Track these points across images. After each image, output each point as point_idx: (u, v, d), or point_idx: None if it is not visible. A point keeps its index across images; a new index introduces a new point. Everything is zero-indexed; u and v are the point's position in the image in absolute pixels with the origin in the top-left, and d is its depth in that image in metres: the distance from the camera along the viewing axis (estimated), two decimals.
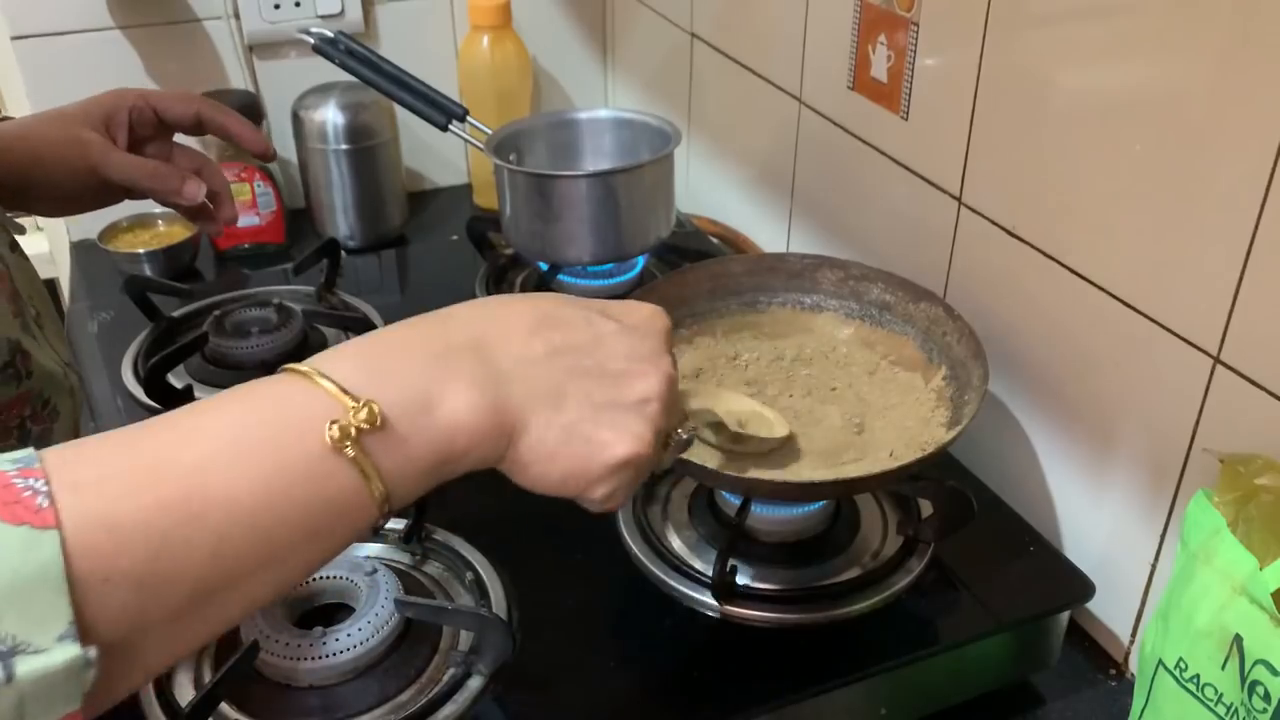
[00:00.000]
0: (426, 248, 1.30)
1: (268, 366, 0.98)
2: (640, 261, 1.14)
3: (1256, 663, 0.52)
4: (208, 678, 0.66)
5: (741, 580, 0.72)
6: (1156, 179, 0.67)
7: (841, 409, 0.80)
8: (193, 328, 1.04)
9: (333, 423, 0.41)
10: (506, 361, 0.47)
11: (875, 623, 0.71)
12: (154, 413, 0.93)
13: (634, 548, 0.75)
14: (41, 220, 1.60)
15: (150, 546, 0.37)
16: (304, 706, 0.64)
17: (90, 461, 0.38)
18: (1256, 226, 0.61)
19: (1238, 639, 0.53)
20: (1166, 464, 0.71)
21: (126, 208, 1.19)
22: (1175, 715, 0.58)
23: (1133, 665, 0.77)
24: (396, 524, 0.76)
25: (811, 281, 0.89)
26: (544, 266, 1.10)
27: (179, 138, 0.87)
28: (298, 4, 1.26)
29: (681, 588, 0.72)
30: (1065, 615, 0.75)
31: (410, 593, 0.71)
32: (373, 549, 0.76)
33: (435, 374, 0.45)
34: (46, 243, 1.61)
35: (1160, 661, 0.59)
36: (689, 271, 0.89)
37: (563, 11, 1.41)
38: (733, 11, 1.16)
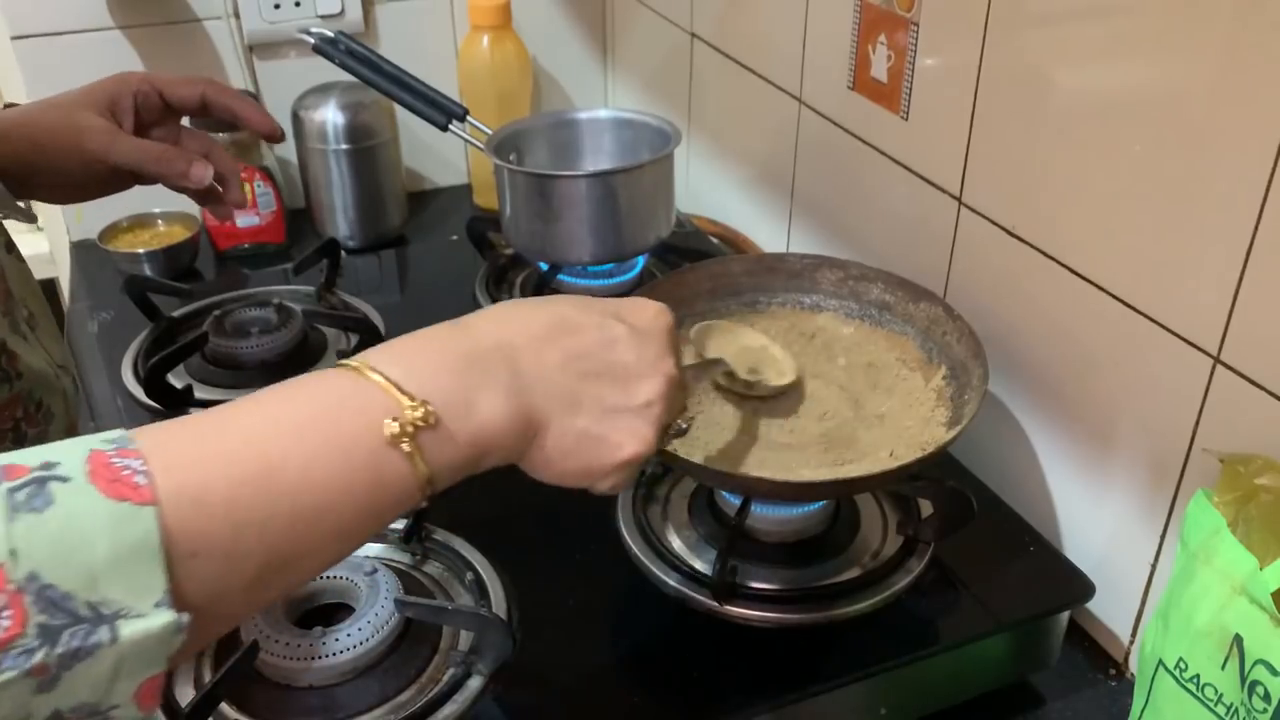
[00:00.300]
0: (426, 248, 1.30)
1: (268, 366, 0.99)
2: (640, 261, 1.14)
3: (1256, 663, 0.52)
4: (208, 678, 0.66)
5: (741, 580, 0.72)
6: (1156, 179, 0.67)
7: (841, 409, 0.80)
8: (193, 328, 1.04)
9: (392, 419, 0.46)
10: (529, 368, 0.52)
11: (875, 623, 0.71)
12: (153, 413, 0.94)
13: (634, 548, 0.75)
14: (42, 220, 1.60)
15: (234, 522, 0.41)
16: (304, 706, 0.64)
17: (184, 444, 0.42)
18: (1256, 226, 0.61)
19: (1238, 639, 0.53)
20: (1166, 464, 0.71)
21: (127, 207, 1.20)
22: (1175, 715, 0.58)
23: (1133, 665, 0.77)
24: (396, 524, 0.76)
25: (811, 281, 0.89)
26: (544, 266, 1.10)
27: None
28: (298, 4, 1.26)
29: (681, 588, 0.72)
30: (1065, 615, 0.75)
31: (410, 593, 0.71)
32: (373, 549, 0.76)
33: (471, 380, 0.50)
34: (46, 242, 1.61)
35: (1160, 661, 0.59)
36: (689, 271, 0.89)
37: (563, 11, 1.41)
38: (733, 11, 1.16)
